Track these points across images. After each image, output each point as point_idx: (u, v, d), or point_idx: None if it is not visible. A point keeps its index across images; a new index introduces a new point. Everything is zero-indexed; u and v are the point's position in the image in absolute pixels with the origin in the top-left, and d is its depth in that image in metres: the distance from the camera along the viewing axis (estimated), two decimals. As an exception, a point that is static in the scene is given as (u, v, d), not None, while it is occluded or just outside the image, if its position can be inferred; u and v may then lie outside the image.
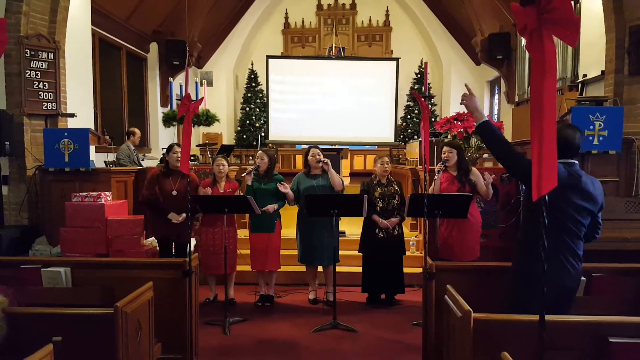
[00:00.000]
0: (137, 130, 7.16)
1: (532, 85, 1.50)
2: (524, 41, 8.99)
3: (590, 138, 4.52)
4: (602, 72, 5.55)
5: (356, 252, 4.87)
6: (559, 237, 2.45)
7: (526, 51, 8.89)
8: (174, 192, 4.47)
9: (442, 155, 4.29)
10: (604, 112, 4.55)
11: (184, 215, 4.39)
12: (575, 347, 2.14)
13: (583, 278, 2.91)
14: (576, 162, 2.54)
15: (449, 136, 5.87)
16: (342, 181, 4.79)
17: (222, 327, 4.14)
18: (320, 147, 4.95)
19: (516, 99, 9.58)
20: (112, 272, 3.16)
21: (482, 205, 5.03)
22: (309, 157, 4.74)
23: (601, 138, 4.54)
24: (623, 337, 2.10)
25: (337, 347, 3.81)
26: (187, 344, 3.15)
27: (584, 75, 6.43)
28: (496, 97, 11.84)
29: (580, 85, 6.49)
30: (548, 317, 2.00)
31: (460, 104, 2.64)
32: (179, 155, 4.47)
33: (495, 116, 11.60)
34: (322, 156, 4.70)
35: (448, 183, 4.27)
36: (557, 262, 2.44)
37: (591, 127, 4.52)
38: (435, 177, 4.24)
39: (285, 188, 4.65)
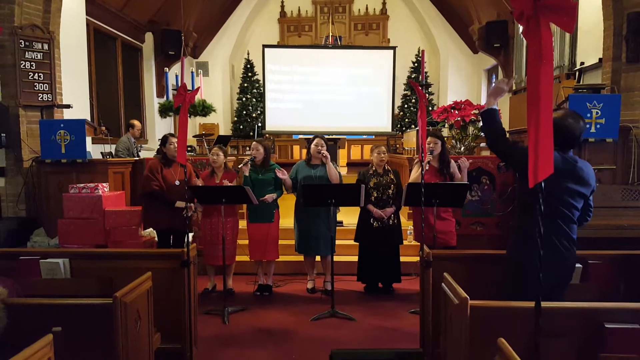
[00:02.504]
0: (137, 123, 7.14)
1: (528, 72, 1.50)
2: (521, 29, 8.99)
3: (588, 126, 4.53)
4: (600, 59, 5.54)
5: (354, 242, 4.89)
6: (553, 222, 2.48)
7: (523, 38, 8.86)
8: (177, 182, 4.48)
9: (427, 146, 4.31)
10: (602, 100, 4.55)
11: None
12: (571, 333, 2.16)
13: (579, 265, 2.93)
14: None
15: (446, 125, 5.86)
16: (340, 175, 4.78)
17: (221, 317, 4.16)
18: (318, 136, 4.93)
19: (513, 87, 9.56)
20: (110, 262, 3.16)
21: (480, 194, 5.05)
22: (312, 146, 4.73)
23: (598, 126, 4.55)
24: (618, 322, 2.11)
25: (336, 335, 3.84)
26: (186, 334, 3.16)
27: (582, 63, 6.42)
28: (493, 85, 11.81)
29: (577, 73, 6.48)
30: (544, 304, 2.01)
31: (499, 83, 2.64)
32: (176, 145, 4.46)
33: (493, 105, 11.57)
34: (325, 148, 4.68)
35: (429, 174, 4.32)
36: (552, 246, 2.47)
37: (588, 115, 4.52)
38: (426, 168, 4.24)
39: (283, 174, 4.65)
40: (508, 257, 2.71)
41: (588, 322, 2.15)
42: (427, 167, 4.25)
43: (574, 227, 2.56)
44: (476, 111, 5.94)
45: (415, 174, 4.41)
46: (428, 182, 4.17)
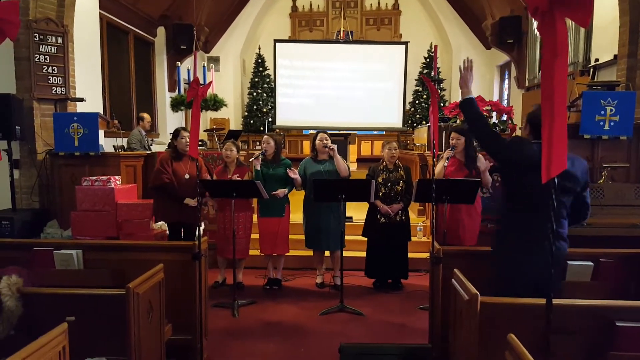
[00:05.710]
0: (146, 115, 7.19)
1: (543, 67, 1.49)
2: (535, 24, 8.84)
3: (601, 123, 4.47)
4: (615, 56, 5.47)
5: (363, 237, 4.89)
6: (537, 217, 2.45)
7: (537, 34, 8.77)
8: (187, 176, 4.51)
9: (451, 142, 4.28)
10: (616, 97, 4.49)
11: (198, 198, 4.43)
12: (582, 331, 2.15)
13: (590, 263, 2.91)
14: None
15: (458, 121, 5.83)
16: (349, 167, 4.78)
17: (231, 310, 4.20)
18: (328, 132, 4.93)
19: (526, 84, 9.47)
20: (123, 254, 3.20)
21: (490, 192, 5.02)
22: (317, 142, 4.75)
23: (612, 123, 4.48)
24: (629, 321, 2.10)
25: (344, 330, 3.86)
26: (196, 325, 3.19)
27: (596, 60, 6.34)
28: (506, 81, 11.71)
29: (592, 70, 6.40)
30: (556, 301, 2.01)
31: (460, 71, 2.73)
32: (187, 139, 4.49)
33: (505, 101, 11.49)
34: (329, 141, 4.69)
35: (454, 168, 4.26)
36: (535, 243, 2.44)
37: (602, 112, 4.46)
38: (445, 164, 4.23)
39: (295, 174, 4.67)
40: (493, 252, 2.74)
41: (599, 320, 2.14)
42: (445, 163, 4.22)
43: (562, 222, 2.52)
44: (489, 107, 5.90)
45: (437, 169, 4.30)
46: (452, 176, 4.16)
